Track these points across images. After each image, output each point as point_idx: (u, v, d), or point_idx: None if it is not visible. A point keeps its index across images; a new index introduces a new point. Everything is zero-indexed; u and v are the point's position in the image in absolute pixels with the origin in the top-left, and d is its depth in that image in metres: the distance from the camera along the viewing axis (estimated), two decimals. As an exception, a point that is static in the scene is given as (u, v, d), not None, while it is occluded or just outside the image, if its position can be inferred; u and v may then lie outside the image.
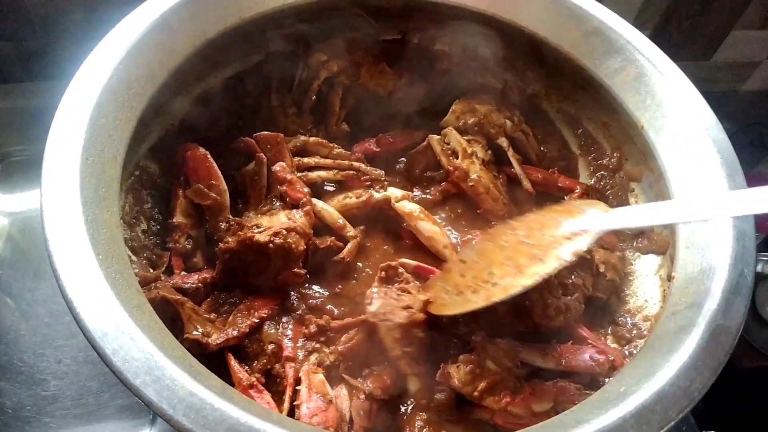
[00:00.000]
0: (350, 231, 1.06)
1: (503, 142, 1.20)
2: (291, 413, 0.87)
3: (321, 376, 0.90)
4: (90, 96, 0.86)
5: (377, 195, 1.10)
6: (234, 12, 1.05)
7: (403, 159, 1.23)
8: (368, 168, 1.16)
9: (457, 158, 1.16)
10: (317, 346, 0.94)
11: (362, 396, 0.90)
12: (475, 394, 0.87)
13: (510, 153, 1.20)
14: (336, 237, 1.06)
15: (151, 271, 0.97)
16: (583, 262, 1.00)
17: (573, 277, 0.99)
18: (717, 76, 1.92)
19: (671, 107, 1.01)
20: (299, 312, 0.98)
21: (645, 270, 1.08)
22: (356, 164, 1.15)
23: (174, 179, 1.05)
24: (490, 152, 1.19)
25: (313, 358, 0.93)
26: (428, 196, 1.18)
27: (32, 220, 1.30)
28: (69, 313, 0.70)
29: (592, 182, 1.19)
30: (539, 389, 0.89)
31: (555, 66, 1.16)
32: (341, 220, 1.07)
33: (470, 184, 1.14)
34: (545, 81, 1.22)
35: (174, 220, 1.01)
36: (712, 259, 0.86)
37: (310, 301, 1.00)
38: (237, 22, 1.05)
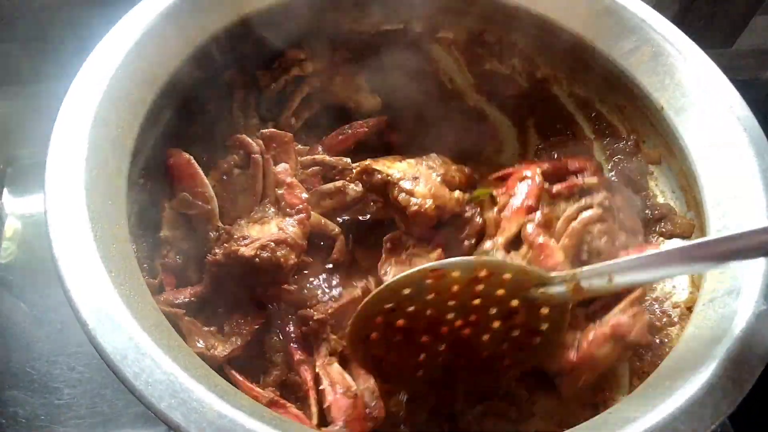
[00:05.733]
0: (334, 229, 1.03)
1: None
2: (320, 416, 0.85)
3: (337, 366, 0.88)
4: (89, 105, 0.82)
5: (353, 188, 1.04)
6: (233, 9, 1.01)
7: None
8: (332, 159, 1.08)
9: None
10: (324, 336, 0.91)
11: None
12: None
13: None
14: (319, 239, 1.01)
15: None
16: None
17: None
18: (739, 64, 1.83)
19: (692, 86, 0.98)
20: (291, 315, 0.93)
21: (671, 255, 1.04)
22: (318, 158, 1.08)
23: (159, 191, 0.98)
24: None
25: (323, 350, 0.90)
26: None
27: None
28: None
29: (610, 167, 1.15)
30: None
31: (565, 48, 1.13)
32: (323, 220, 1.02)
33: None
34: (555, 65, 1.19)
35: (161, 234, 0.95)
36: (747, 242, 0.83)
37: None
38: (235, 19, 1.01)
